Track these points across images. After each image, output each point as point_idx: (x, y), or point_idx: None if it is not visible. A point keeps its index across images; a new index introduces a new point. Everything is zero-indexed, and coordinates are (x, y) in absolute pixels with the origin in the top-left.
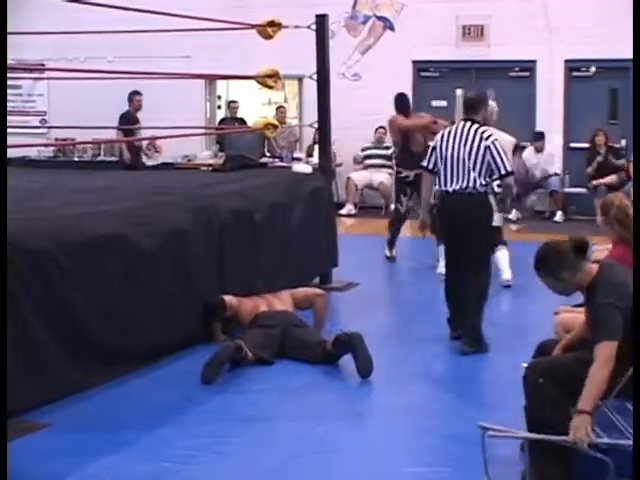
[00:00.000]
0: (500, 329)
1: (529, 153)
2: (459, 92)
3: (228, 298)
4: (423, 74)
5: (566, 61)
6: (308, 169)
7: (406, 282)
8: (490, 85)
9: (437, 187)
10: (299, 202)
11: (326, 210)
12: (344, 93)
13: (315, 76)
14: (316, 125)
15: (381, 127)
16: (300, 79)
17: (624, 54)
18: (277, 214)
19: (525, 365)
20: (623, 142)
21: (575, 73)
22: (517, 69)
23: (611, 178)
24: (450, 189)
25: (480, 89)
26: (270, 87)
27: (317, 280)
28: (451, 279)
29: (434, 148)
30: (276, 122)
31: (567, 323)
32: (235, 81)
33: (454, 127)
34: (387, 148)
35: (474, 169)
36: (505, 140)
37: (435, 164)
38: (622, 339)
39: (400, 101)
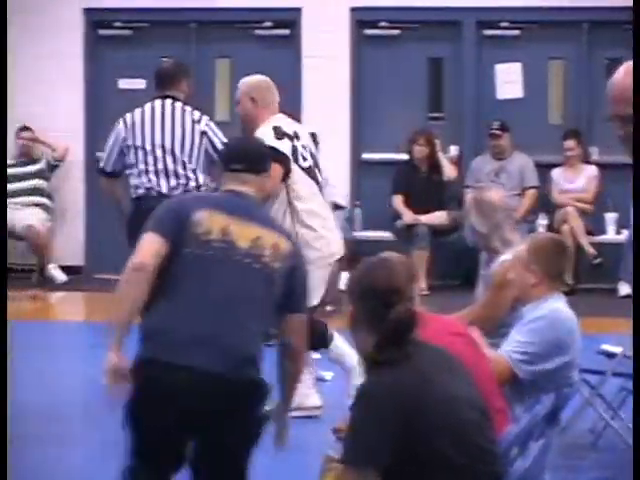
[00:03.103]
0: None
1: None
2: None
3: None
4: (102, 32)
5: (353, 10)
6: None
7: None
8: (221, 50)
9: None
10: None
11: None
12: None
13: None
14: None
15: (26, 128)
16: None
17: (453, 1)
18: None
19: None
20: (453, 150)
21: (369, 31)
22: (269, 24)
23: (439, 215)
24: (159, 189)
25: (207, 55)
26: None
27: None
28: None
29: (119, 140)
30: None
31: None
32: None
33: (147, 108)
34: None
35: (190, 162)
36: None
37: (117, 163)
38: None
39: None
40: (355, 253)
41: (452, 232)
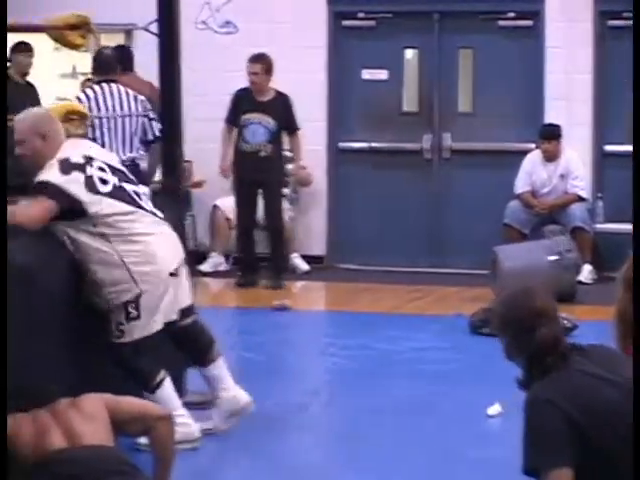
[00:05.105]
0: None
1: (534, 161)
2: (410, 54)
3: None
4: (346, 23)
5: (597, 0)
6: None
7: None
8: (463, 40)
9: None
10: None
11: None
12: (208, 57)
13: (154, 26)
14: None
15: None
16: (128, 32)
17: None
18: (71, 275)
19: None
20: None
21: (612, 22)
22: (512, 15)
23: None
24: None
25: (450, 46)
26: (75, 46)
27: None
28: None
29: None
30: (83, 109)
31: None
32: (12, 37)
33: (99, 90)
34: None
35: (136, 134)
36: None
37: None
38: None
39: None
40: (597, 245)
41: None
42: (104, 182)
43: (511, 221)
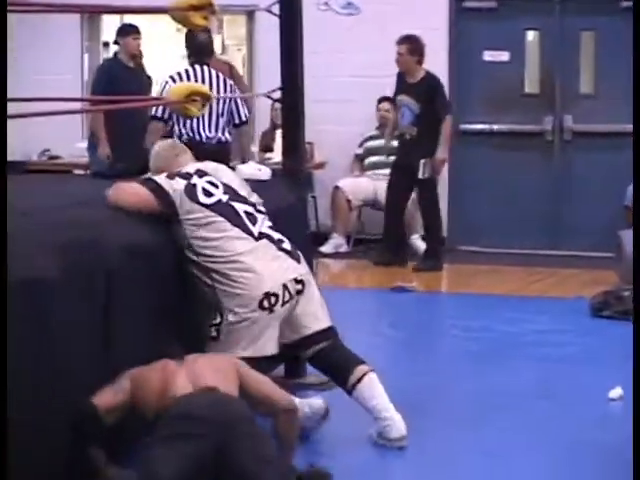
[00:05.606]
0: None
1: None
2: (531, 35)
3: (103, 399)
4: (467, 4)
5: None
6: (264, 173)
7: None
8: (585, 22)
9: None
10: None
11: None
12: (329, 38)
13: (276, 8)
14: (278, 94)
15: (386, 98)
16: (250, 13)
17: None
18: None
19: None
20: None
21: None
22: None
23: None
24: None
25: (571, 28)
26: (197, 27)
27: (281, 368)
28: None
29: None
30: (207, 90)
31: None
32: (136, 19)
33: (192, 71)
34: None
35: (222, 116)
36: None
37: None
38: None
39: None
40: None
41: None
42: (208, 194)
43: (632, 203)
